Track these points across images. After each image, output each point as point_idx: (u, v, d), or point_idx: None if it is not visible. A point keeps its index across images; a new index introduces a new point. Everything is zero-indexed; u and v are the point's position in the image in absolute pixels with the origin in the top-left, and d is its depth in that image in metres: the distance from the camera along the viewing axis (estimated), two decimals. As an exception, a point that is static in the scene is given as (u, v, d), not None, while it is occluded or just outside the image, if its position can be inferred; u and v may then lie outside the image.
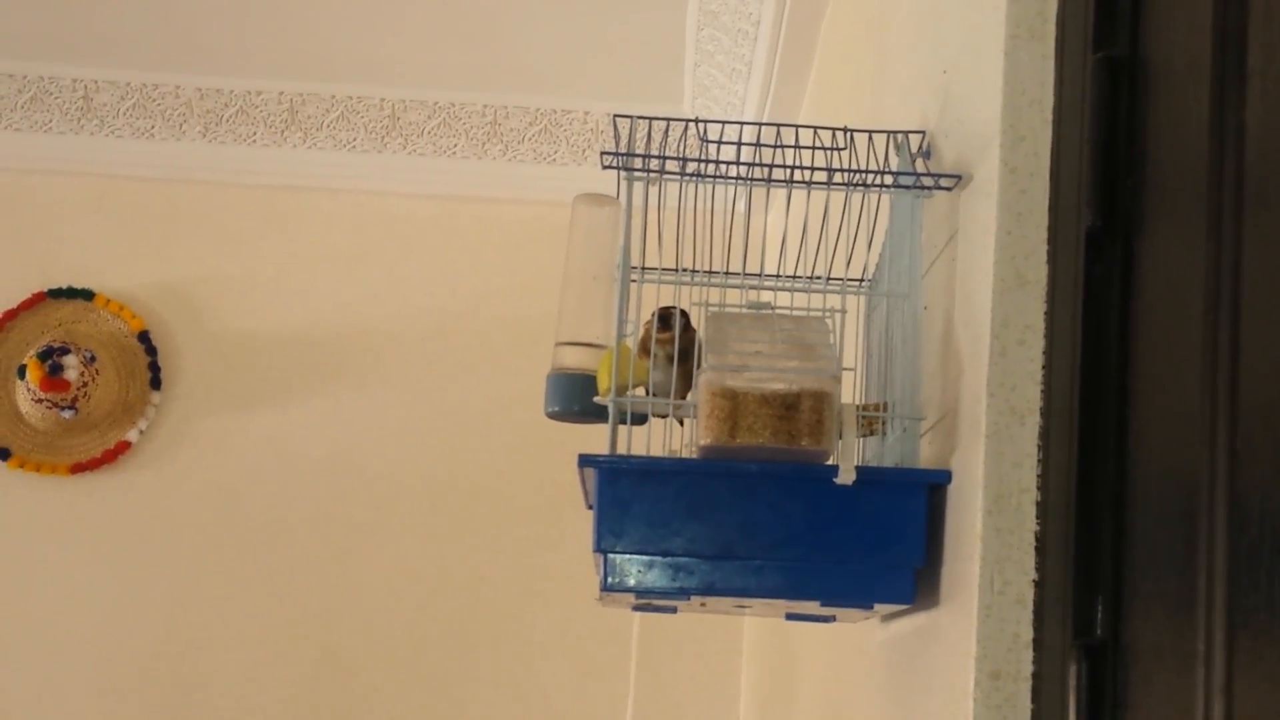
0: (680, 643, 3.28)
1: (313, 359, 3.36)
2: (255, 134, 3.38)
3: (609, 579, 1.19)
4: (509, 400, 3.25)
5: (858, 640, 1.63)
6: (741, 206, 1.31)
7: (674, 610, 1.31)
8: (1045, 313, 1.07)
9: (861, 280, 1.36)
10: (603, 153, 1.23)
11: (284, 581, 3.30)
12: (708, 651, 3.29)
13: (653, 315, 1.32)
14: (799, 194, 1.32)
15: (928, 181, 1.24)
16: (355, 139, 3.38)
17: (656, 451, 1.27)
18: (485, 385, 3.33)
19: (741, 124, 1.34)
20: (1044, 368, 1.07)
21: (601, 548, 1.18)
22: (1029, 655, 1.05)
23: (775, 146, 1.32)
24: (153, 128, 3.38)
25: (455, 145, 3.38)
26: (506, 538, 3.31)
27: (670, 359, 1.28)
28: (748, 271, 1.32)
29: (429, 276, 3.39)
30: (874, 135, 1.32)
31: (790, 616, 1.35)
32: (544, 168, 3.37)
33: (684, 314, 1.31)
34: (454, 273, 3.39)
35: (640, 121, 1.31)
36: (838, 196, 1.30)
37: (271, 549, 3.30)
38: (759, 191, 1.31)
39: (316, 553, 3.31)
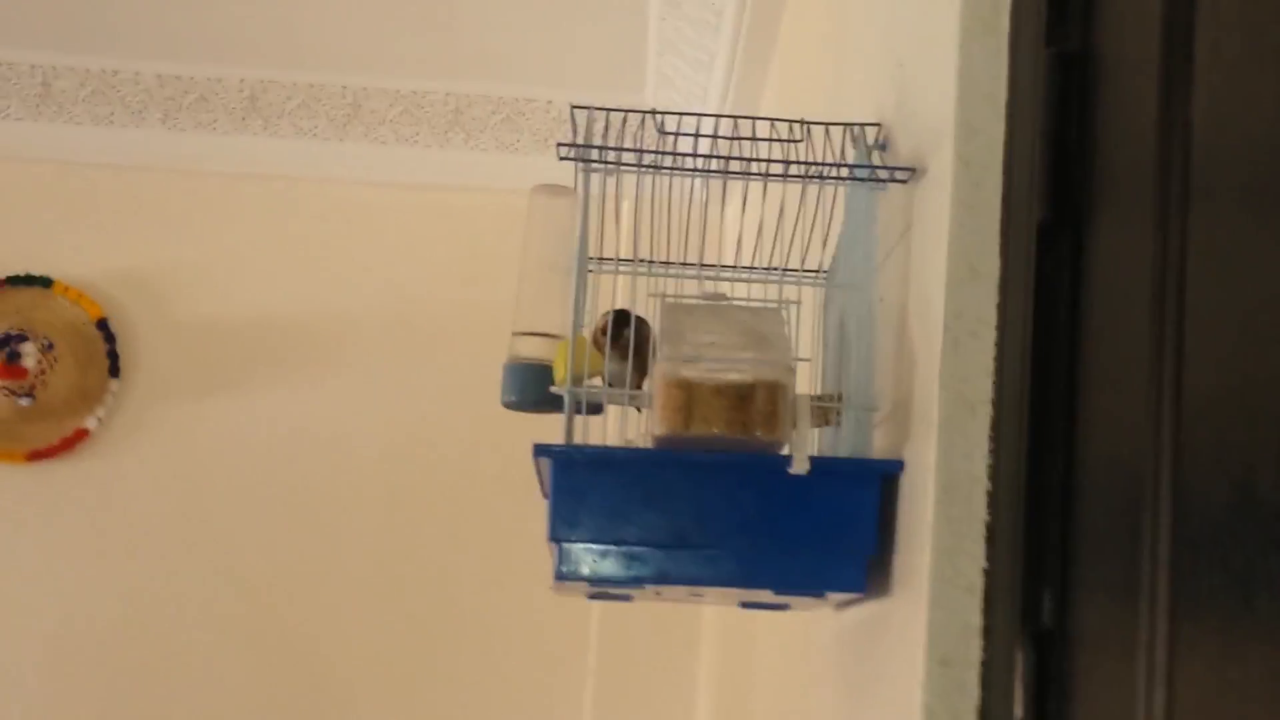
0: (639, 631, 3.29)
1: (273, 347, 3.35)
2: (215, 121, 3.36)
3: (563, 568, 1.19)
4: (470, 388, 3.25)
5: (813, 628, 1.64)
6: (698, 198, 1.31)
7: (629, 599, 1.32)
8: (998, 305, 1.08)
9: (818, 272, 1.37)
10: (559, 144, 1.23)
11: (243, 571, 3.28)
12: (666, 639, 3.30)
13: (606, 315, 1.32)
14: (756, 186, 1.33)
15: (883, 174, 1.25)
16: (316, 127, 3.37)
17: (612, 441, 1.28)
18: (447, 373, 3.32)
19: (699, 115, 1.35)
20: (996, 359, 1.08)
21: (556, 537, 1.19)
22: (978, 643, 1.06)
23: (732, 138, 1.33)
24: (112, 114, 3.35)
25: (417, 133, 3.38)
26: (467, 525, 3.31)
27: (623, 353, 1.29)
28: (705, 263, 1.33)
29: (390, 265, 3.38)
30: (830, 128, 1.33)
31: (745, 605, 1.35)
32: (506, 157, 3.37)
33: (628, 319, 1.30)
34: (416, 261, 3.39)
35: (598, 112, 1.31)
36: (794, 188, 1.31)
37: (231, 538, 3.29)
38: (718, 183, 1.32)
39: (276, 542, 3.30)
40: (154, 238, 3.37)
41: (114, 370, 3.34)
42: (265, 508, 3.31)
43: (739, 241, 1.41)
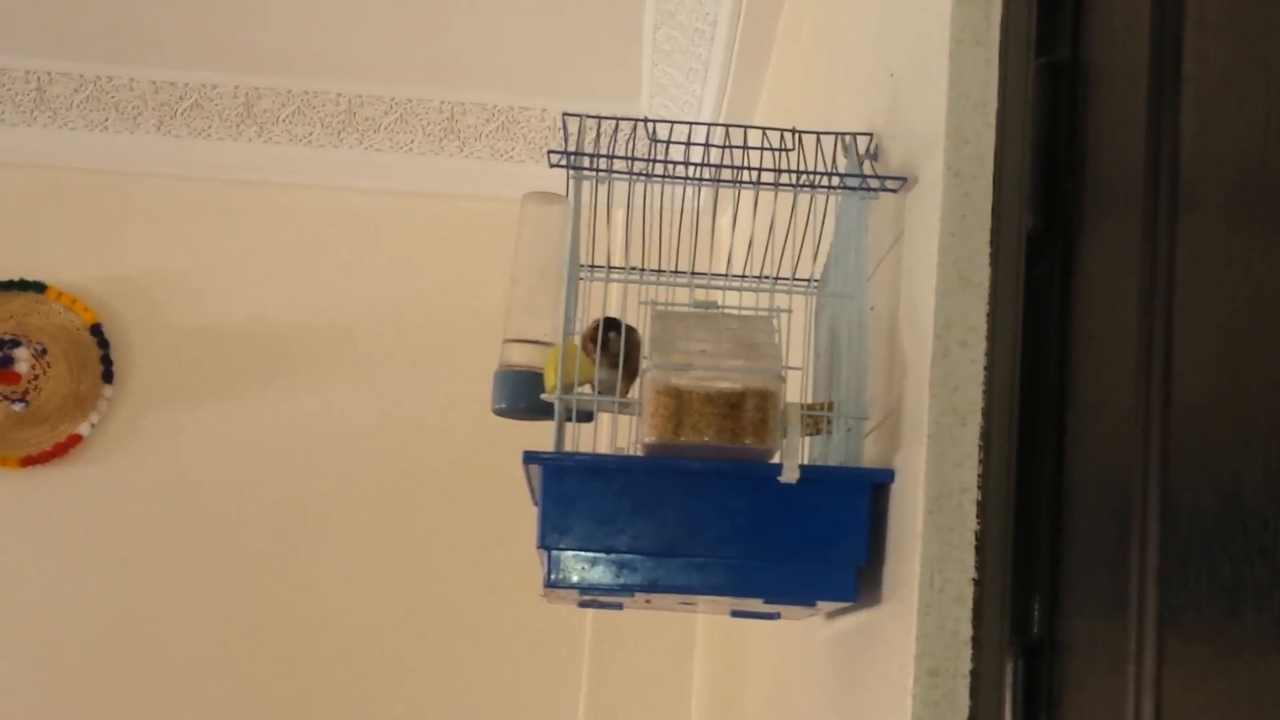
0: (634, 638, 3.28)
1: (266, 354, 3.35)
2: (210, 128, 3.36)
3: (552, 575, 1.19)
4: (464, 395, 3.25)
5: (804, 637, 1.64)
6: (691, 206, 1.32)
7: (619, 607, 1.32)
8: (987, 314, 1.08)
9: (810, 280, 1.37)
10: (549, 151, 1.23)
11: (236, 576, 3.28)
12: (661, 646, 3.30)
13: (597, 322, 1.32)
14: (749, 195, 1.33)
15: (874, 183, 1.25)
16: (311, 134, 3.37)
17: (603, 449, 1.28)
18: (440, 380, 3.32)
19: (691, 124, 1.35)
20: (986, 369, 1.08)
21: (545, 544, 1.18)
22: (967, 653, 1.06)
23: (724, 147, 1.33)
24: (106, 120, 3.35)
25: (412, 141, 3.38)
26: (460, 532, 3.31)
27: (613, 361, 1.28)
28: (696, 270, 1.33)
29: (385, 272, 3.38)
30: (822, 137, 1.33)
31: (735, 614, 1.35)
32: (501, 164, 3.37)
33: (620, 328, 1.30)
34: (409, 268, 3.39)
35: (590, 120, 1.31)
36: (786, 197, 1.31)
37: (223, 543, 3.29)
38: (712, 192, 1.32)
39: (269, 547, 3.29)
40: (148, 244, 3.37)
41: (108, 376, 3.34)
42: (259, 513, 3.30)
43: (730, 250, 1.41)
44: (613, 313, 1.32)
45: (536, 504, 1.23)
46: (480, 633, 3.29)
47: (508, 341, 1.38)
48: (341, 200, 3.40)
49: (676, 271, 1.32)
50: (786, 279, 1.33)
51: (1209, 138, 0.82)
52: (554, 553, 1.19)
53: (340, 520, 3.31)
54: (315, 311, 3.37)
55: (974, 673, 1.05)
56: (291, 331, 3.36)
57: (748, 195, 1.32)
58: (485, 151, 3.38)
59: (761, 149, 1.33)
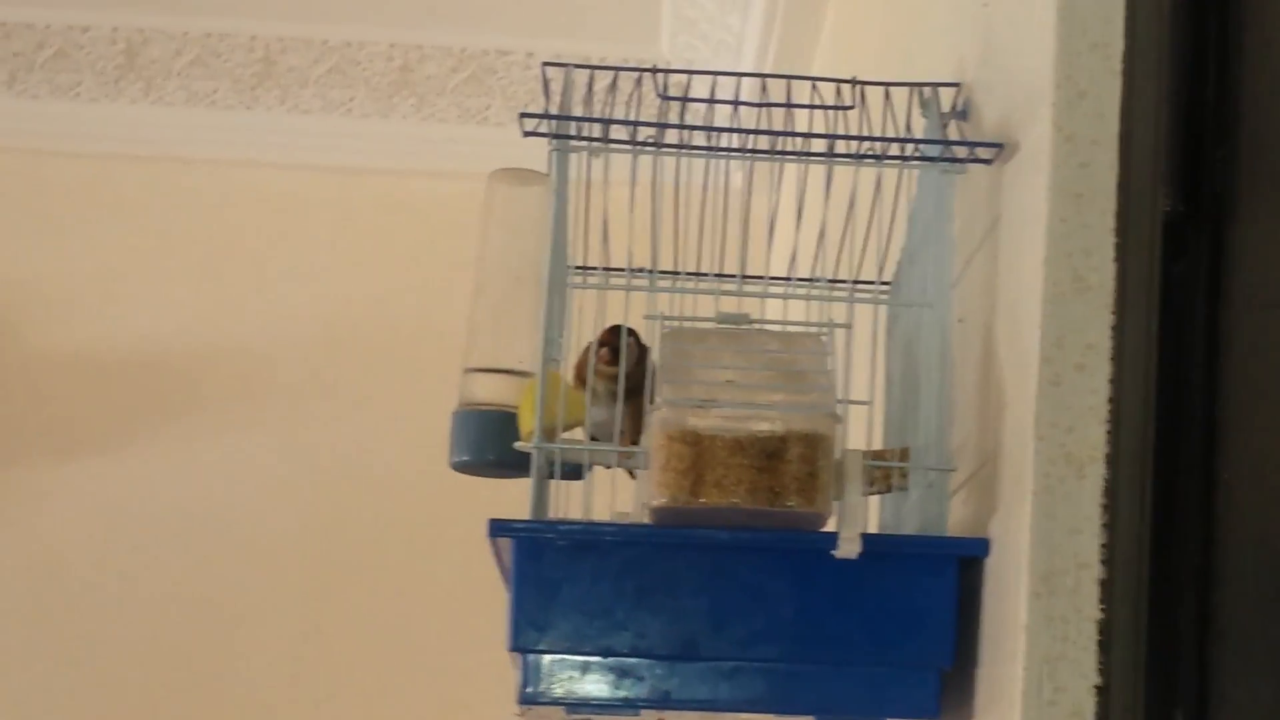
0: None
1: (157, 387, 3.37)
2: (80, 84, 3.39)
3: (529, 688, 1.20)
4: (420, 441, 3.25)
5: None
6: (717, 186, 1.33)
7: (622, 729, 1.33)
8: (1112, 327, 1.09)
9: (875, 284, 1.38)
10: (522, 115, 1.24)
11: (118, 679, 3.30)
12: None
13: (591, 344, 1.33)
14: (793, 171, 1.34)
15: (960, 152, 1.26)
16: (216, 91, 3.40)
17: (598, 515, 1.29)
18: (389, 419, 3.33)
19: (715, 74, 1.36)
20: (1110, 401, 1.09)
21: (520, 645, 1.20)
22: (1091, 787, 1.07)
23: (761, 105, 1.34)
24: (-60, 75, 3.39)
25: (352, 99, 3.40)
26: (416, 626, 3.32)
27: (614, 393, 1.30)
28: (723, 273, 1.34)
29: (315, 275, 3.40)
30: (893, 89, 1.34)
31: (780, 736, 1.36)
32: (472, 129, 3.39)
33: (633, 333, 1.32)
34: (349, 270, 3.41)
35: (580, 71, 1.33)
36: (844, 172, 1.32)
37: (101, 637, 3.30)
38: (744, 167, 1.33)
39: (164, 639, 3.31)
40: (-2, 241, 3.40)
41: (-56, 420, 3.37)
42: (149, 595, 3.31)
43: (769, 244, 1.42)
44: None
45: (509, 589, 1.24)
46: (449, 764, 3.30)
47: (470, 371, 1.40)
48: (256, 179, 3.42)
49: (696, 274, 1.33)
50: (845, 283, 1.34)
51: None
52: (531, 657, 1.20)
53: (255, 605, 3.32)
54: (221, 332, 3.39)
55: (1099, 814, 1.06)
56: (190, 359, 3.38)
57: (793, 171, 1.33)
58: (450, 112, 3.40)
59: (811, 107, 1.34)
